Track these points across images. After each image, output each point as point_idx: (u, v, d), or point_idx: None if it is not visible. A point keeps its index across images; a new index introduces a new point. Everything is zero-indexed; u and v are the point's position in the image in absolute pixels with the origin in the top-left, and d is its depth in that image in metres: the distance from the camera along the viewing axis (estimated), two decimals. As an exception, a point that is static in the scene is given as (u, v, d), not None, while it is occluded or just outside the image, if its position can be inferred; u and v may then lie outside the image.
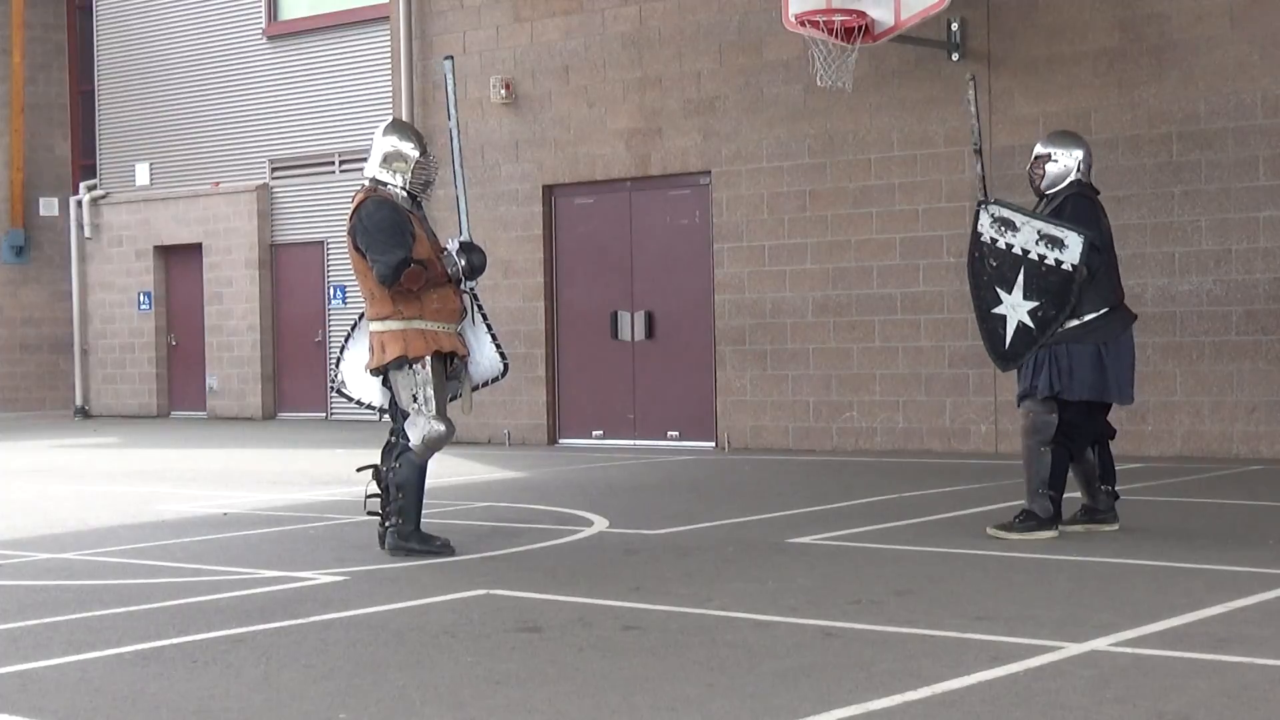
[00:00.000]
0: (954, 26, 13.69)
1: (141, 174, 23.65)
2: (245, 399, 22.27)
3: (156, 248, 23.44)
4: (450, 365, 8.15)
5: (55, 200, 25.54)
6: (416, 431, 7.93)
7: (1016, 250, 8.26)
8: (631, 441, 15.60)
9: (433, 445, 7.96)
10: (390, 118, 9.29)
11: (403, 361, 7.92)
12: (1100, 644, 5.50)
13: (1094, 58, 13.24)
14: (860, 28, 13.13)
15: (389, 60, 18.02)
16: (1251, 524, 8.84)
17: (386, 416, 8.29)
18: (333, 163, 21.40)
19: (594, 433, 15.96)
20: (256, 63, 22.24)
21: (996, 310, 8.36)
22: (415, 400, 7.93)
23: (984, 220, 8.42)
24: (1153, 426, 12.98)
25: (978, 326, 8.58)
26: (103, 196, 24.10)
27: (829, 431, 14.59)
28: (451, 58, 8.79)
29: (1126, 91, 13.09)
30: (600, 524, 9.27)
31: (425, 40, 17.04)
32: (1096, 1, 13.23)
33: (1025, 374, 8.33)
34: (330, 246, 21.56)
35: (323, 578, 7.44)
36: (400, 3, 17.09)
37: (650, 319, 15.67)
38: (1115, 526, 8.54)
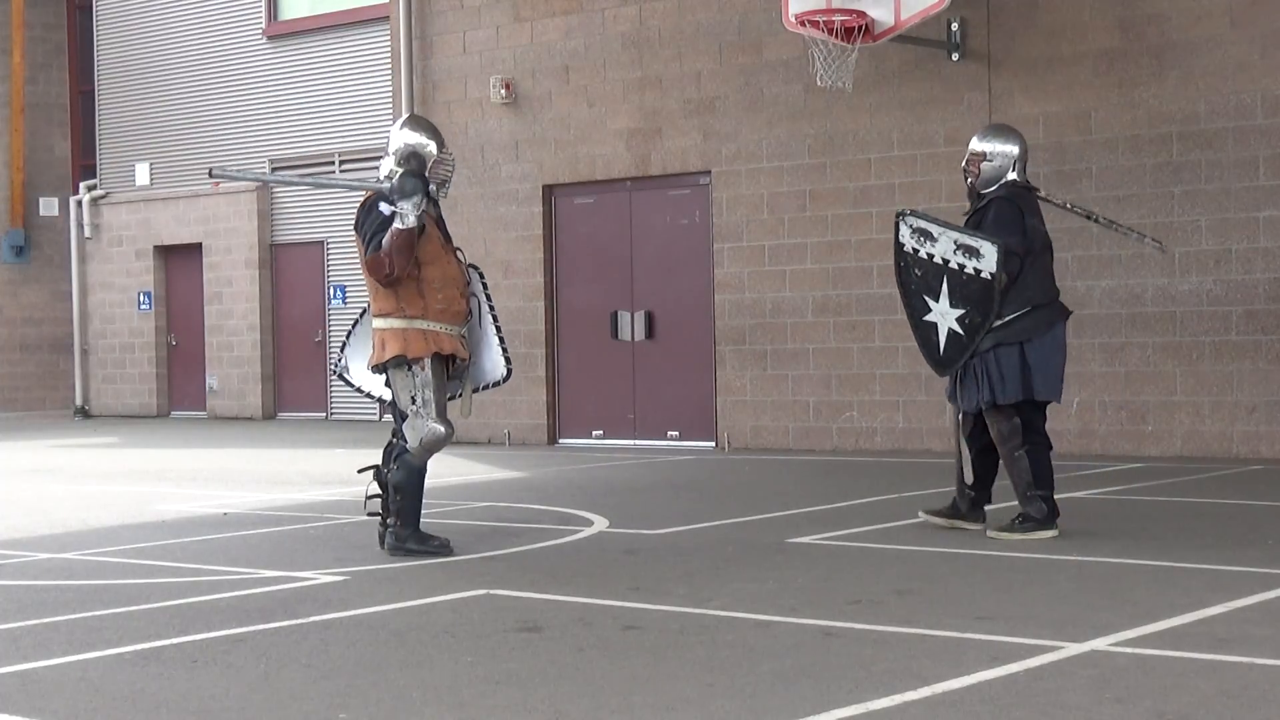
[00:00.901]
0: (954, 26, 13.69)
1: (141, 174, 23.65)
2: (245, 399, 22.27)
3: (156, 248, 23.44)
4: (452, 366, 8.11)
5: (55, 200, 25.54)
6: (415, 433, 7.89)
7: (937, 260, 8.28)
8: (631, 441, 15.60)
9: (431, 447, 7.93)
10: (407, 113, 9.13)
11: (401, 361, 7.87)
12: (1100, 644, 5.50)
13: (1094, 58, 13.24)
14: (860, 28, 13.13)
15: (389, 60, 18.02)
16: (1251, 524, 8.83)
17: (388, 412, 8.29)
18: (333, 163, 21.40)
19: (594, 433, 15.96)
20: (256, 63, 22.23)
21: (927, 318, 8.38)
22: (414, 402, 7.88)
23: (904, 231, 8.44)
24: (1153, 426, 12.98)
25: (913, 334, 8.57)
26: (103, 196, 24.10)
27: (829, 431, 14.59)
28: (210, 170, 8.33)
29: (1126, 91, 13.09)
30: (600, 524, 9.27)
31: (425, 40, 17.04)
32: (1096, 1, 13.23)
33: (968, 392, 8.29)
34: (330, 246, 21.56)
35: (323, 578, 7.44)
36: (400, 3, 17.09)
37: (650, 319, 15.67)
38: (980, 526, 8.51)
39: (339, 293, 21.50)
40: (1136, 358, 13.07)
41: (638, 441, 15.58)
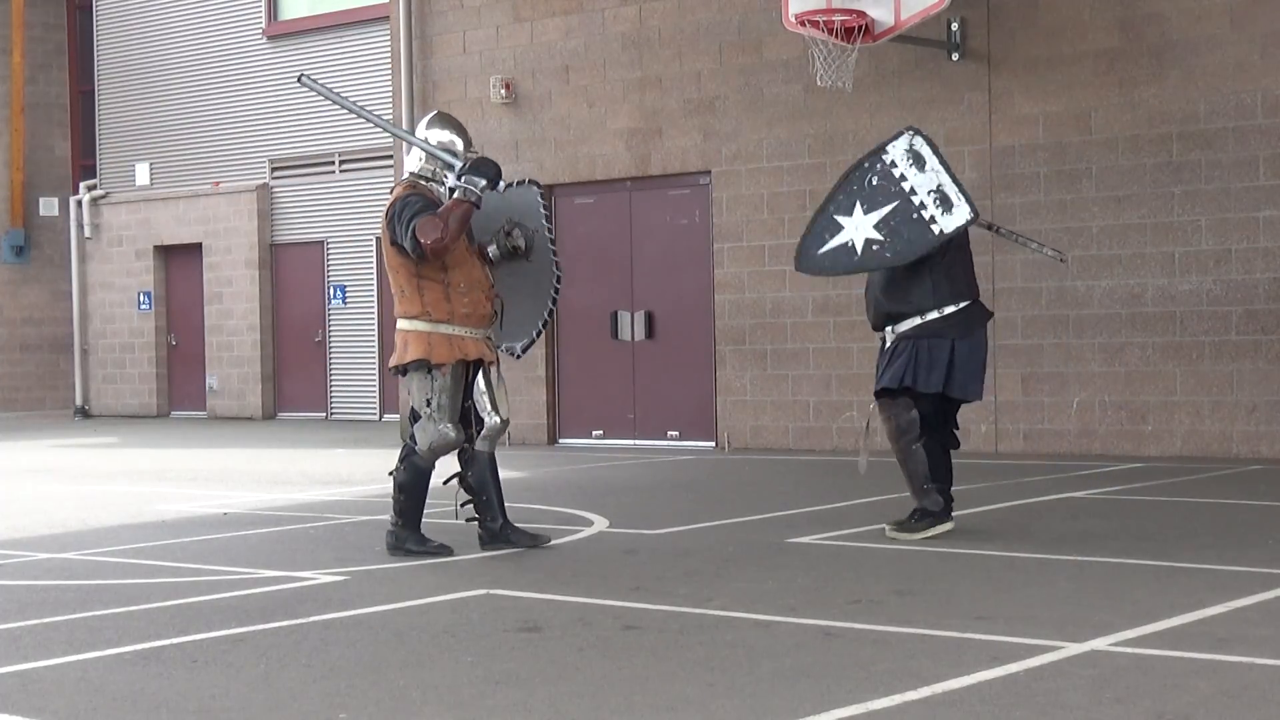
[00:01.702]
0: (954, 26, 13.69)
1: (141, 174, 23.65)
2: (245, 399, 22.27)
3: (156, 248, 23.44)
4: (474, 372, 8.01)
5: (55, 200, 25.54)
6: (425, 436, 7.88)
7: (906, 187, 8.12)
8: (631, 441, 15.60)
9: (438, 450, 7.92)
10: (434, 110, 8.98)
11: (424, 364, 7.82)
12: (1100, 644, 5.50)
13: (1094, 58, 13.24)
14: (860, 28, 13.12)
15: (389, 60, 18.02)
16: (1251, 524, 8.83)
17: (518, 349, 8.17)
18: (333, 163, 21.40)
19: (594, 433, 15.96)
20: (256, 63, 22.23)
21: (838, 218, 8.22)
22: (429, 405, 7.85)
23: (900, 143, 8.25)
24: (1153, 426, 12.98)
25: (810, 220, 8.42)
26: (103, 196, 24.10)
27: (829, 431, 14.58)
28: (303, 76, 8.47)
29: (1126, 91, 13.09)
30: (600, 524, 9.27)
31: (425, 40, 17.04)
32: (1096, 1, 13.23)
33: (881, 371, 8.27)
34: (330, 246, 21.56)
35: (323, 578, 7.44)
36: (400, 3, 17.10)
37: (650, 319, 15.67)
38: (948, 525, 8.42)
39: (339, 293, 21.50)
40: (1136, 358, 13.07)
41: (638, 441, 15.58)
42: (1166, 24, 12.92)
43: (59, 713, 4.89)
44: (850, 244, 8.15)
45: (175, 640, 5.94)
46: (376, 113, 8.96)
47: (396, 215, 7.80)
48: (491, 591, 6.90)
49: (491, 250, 8.08)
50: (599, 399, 16.00)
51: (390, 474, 8.10)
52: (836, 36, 13.27)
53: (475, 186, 7.73)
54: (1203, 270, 12.78)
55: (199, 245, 22.85)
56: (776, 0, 13.88)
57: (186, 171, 23.07)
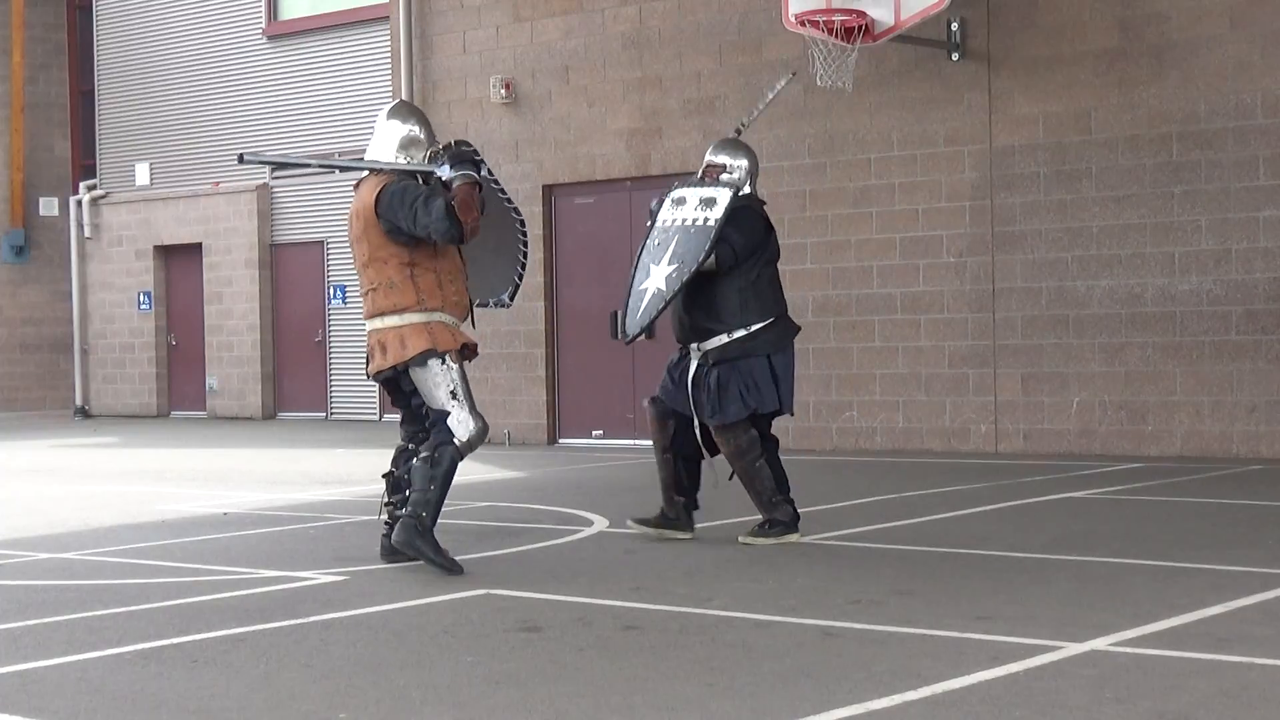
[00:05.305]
0: (954, 26, 13.69)
1: (141, 174, 23.65)
2: (245, 399, 22.27)
3: (156, 248, 23.44)
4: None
5: (55, 200, 25.54)
6: (463, 427, 7.48)
7: (677, 223, 8.23)
8: (631, 441, 15.59)
9: (475, 443, 7.56)
10: (394, 101, 8.70)
11: (430, 355, 7.48)
12: (1100, 644, 5.49)
13: (1094, 58, 13.24)
14: (860, 28, 13.12)
15: (389, 60, 18.02)
16: (1251, 524, 8.83)
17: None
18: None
19: (594, 433, 15.96)
20: (256, 63, 22.23)
21: (641, 286, 8.28)
22: (455, 396, 7.50)
23: (665, 206, 8.39)
24: (1153, 426, 12.98)
25: (624, 301, 8.47)
26: (103, 196, 24.10)
27: (829, 431, 14.58)
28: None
29: (1126, 91, 13.09)
30: (600, 524, 9.27)
31: (425, 40, 17.04)
32: (1096, 1, 13.23)
33: (709, 405, 8.22)
34: (330, 246, 21.56)
35: (323, 578, 7.44)
36: (400, 3, 17.10)
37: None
38: (690, 535, 8.46)
39: (339, 293, 21.50)
40: (1136, 358, 13.07)
41: (638, 441, 15.56)
42: (1166, 24, 12.92)
43: (59, 713, 4.89)
44: (657, 290, 8.22)
45: (175, 640, 5.93)
46: (338, 158, 8.78)
47: (401, 202, 7.47)
48: (491, 591, 6.90)
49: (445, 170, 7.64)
50: (599, 399, 15.99)
51: (384, 476, 7.84)
52: (836, 36, 13.27)
53: (471, 171, 7.58)
54: (1203, 270, 12.78)
55: (199, 245, 22.85)
56: (776, 0, 13.88)
57: (186, 171, 23.07)
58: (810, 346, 14.70)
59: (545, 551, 8.22)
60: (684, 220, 8.24)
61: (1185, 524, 8.94)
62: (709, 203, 8.17)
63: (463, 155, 7.66)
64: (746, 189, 8.40)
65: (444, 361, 7.52)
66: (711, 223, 8.09)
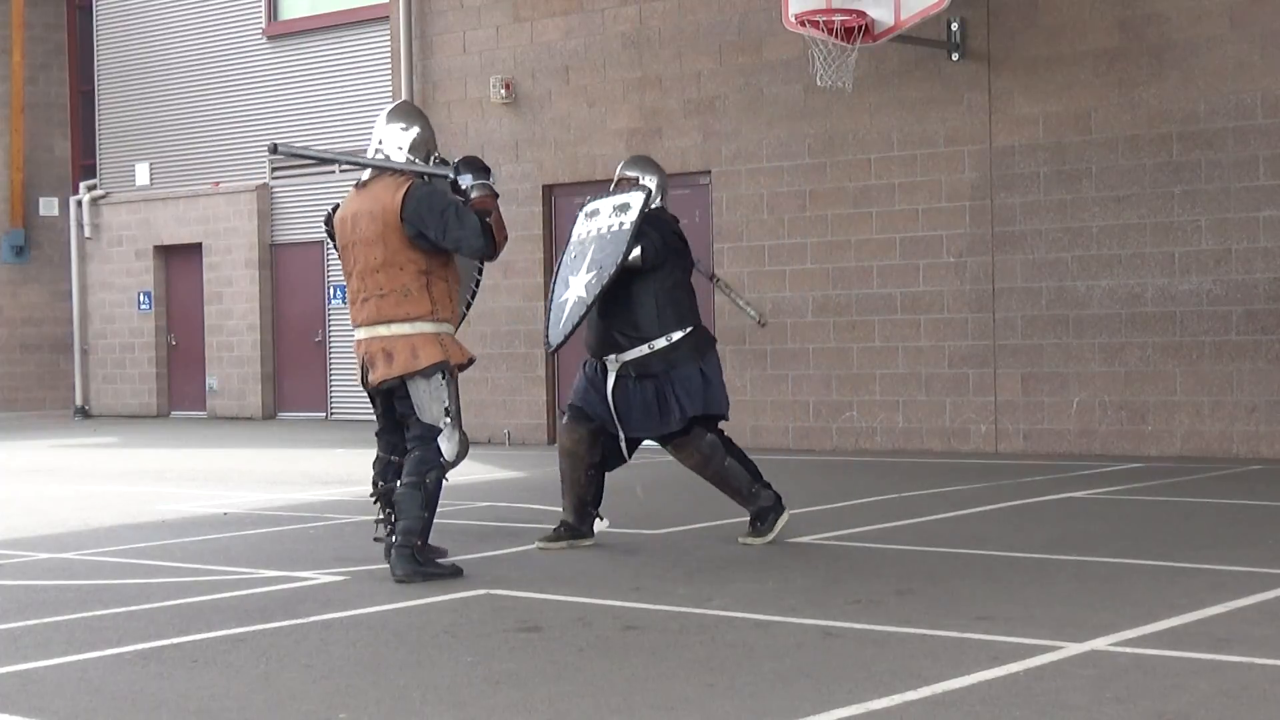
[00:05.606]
0: (954, 26, 13.69)
1: (141, 174, 23.64)
2: (245, 399, 22.27)
3: (156, 248, 23.44)
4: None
5: (55, 200, 25.53)
6: (451, 446, 7.36)
7: (593, 233, 8.27)
8: (631, 441, 15.57)
9: (461, 460, 7.47)
10: (395, 103, 8.48)
11: (441, 368, 7.34)
12: (1100, 644, 5.50)
13: (1094, 58, 13.24)
14: (860, 28, 13.12)
15: (389, 60, 18.02)
16: (1251, 524, 8.83)
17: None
18: (333, 163, 21.39)
19: (594, 433, 15.93)
20: (256, 63, 22.23)
21: (562, 298, 8.28)
22: (449, 414, 7.35)
23: (579, 222, 8.46)
24: (1153, 426, 12.98)
25: (546, 314, 8.51)
26: (103, 196, 24.10)
27: (829, 431, 14.58)
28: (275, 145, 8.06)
29: (1126, 91, 13.09)
30: (600, 524, 9.26)
31: (425, 40, 17.04)
32: (1096, 1, 13.23)
33: (657, 420, 8.16)
34: (330, 247, 21.52)
35: (323, 578, 7.44)
36: (400, 3, 17.10)
37: (650, 319, 15.64)
38: (591, 541, 8.41)
39: (339, 293, 21.49)
40: (1136, 358, 13.07)
41: (638, 441, 15.54)
42: (1166, 24, 12.92)
43: (59, 713, 4.89)
44: (578, 298, 8.19)
45: (175, 640, 5.94)
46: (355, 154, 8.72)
47: (429, 209, 7.26)
48: (491, 591, 6.90)
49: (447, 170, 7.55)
50: (599, 399, 15.97)
51: (372, 496, 7.67)
52: (836, 36, 13.27)
53: (490, 182, 7.53)
54: (1203, 270, 12.78)
55: (199, 245, 22.84)
56: (776, 0, 13.88)
57: (186, 171, 23.06)
58: (810, 346, 14.71)
59: (545, 551, 8.22)
60: (599, 229, 8.28)
61: (1185, 524, 8.94)
62: (622, 208, 8.21)
63: (477, 164, 7.59)
64: (658, 202, 8.44)
65: (446, 377, 7.37)
66: (627, 225, 8.11)
